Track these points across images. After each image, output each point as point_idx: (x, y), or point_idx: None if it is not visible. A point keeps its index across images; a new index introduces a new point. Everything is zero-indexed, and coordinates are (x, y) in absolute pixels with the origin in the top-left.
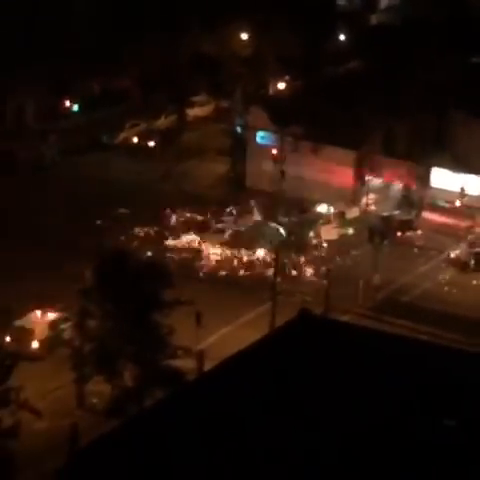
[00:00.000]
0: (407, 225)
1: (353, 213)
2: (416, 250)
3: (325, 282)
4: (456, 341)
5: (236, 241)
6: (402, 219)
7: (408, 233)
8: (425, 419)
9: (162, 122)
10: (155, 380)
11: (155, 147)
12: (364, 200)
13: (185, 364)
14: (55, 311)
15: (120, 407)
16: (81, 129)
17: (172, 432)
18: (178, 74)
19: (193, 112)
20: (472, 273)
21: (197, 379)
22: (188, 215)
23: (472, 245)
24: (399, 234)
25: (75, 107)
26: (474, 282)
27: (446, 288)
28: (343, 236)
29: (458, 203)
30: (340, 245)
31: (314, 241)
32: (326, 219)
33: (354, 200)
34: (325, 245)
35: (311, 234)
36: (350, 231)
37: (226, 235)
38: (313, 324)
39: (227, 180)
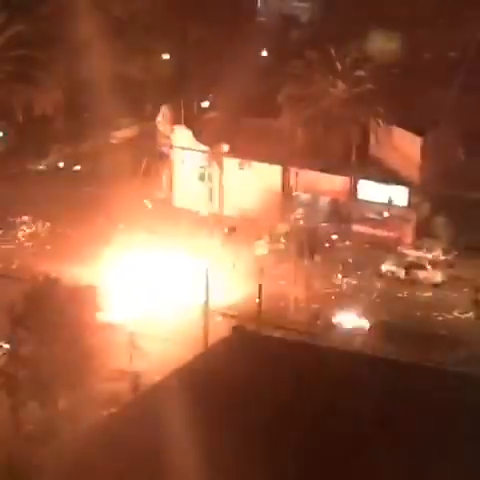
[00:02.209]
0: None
1: (283, 228)
2: (347, 263)
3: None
4: (391, 352)
5: None
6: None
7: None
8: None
9: (88, 146)
10: (90, 404)
11: (81, 171)
12: (292, 214)
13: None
14: None
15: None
16: (5, 156)
17: (108, 455)
18: (102, 97)
19: (118, 135)
20: (402, 284)
21: (132, 401)
22: None
23: (401, 256)
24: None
25: None
26: (405, 293)
27: (381, 300)
28: (274, 251)
29: (386, 214)
30: (270, 260)
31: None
32: (257, 235)
33: (283, 215)
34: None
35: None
36: (280, 246)
37: None
38: (247, 341)
39: (156, 201)
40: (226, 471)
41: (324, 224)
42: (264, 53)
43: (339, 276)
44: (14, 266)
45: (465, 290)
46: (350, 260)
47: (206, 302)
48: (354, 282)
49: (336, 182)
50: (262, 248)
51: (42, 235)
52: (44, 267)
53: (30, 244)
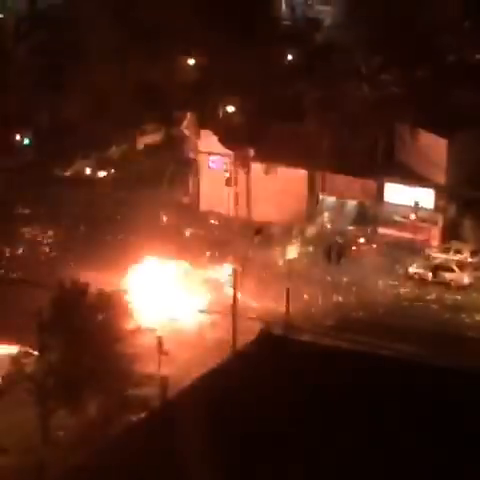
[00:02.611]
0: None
1: (311, 231)
2: (375, 265)
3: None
4: (419, 355)
5: None
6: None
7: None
8: (390, 436)
9: (113, 152)
10: (120, 409)
11: (107, 177)
12: (320, 218)
13: (149, 391)
14: (16, 345)
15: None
16: (33, 163)
17: (139, 461)
18: (127, 103)
19: (144, 140)
20: (430, 286)
21: (161, 406)
22: None
23: (429, 258)
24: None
25: (26, 141)
26: (433, 295)
27: (408, 303)
28: (302, 254)
29: (413, 217)
30: (300, 263)
31: (280, 261)
32: (290, 238)
33: (310, 219)
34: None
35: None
36: (309, 249)
37: None
38: (274, 344)
39: (182, 206)
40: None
41: (351, 227)
42: (289, 57)
43: (363, 279)
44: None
45: None
46: (377, 263)
47: (234, 305)
48: (381, 284)
49: (362, 185)
50: (292, 252)
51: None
52: (72, 272)
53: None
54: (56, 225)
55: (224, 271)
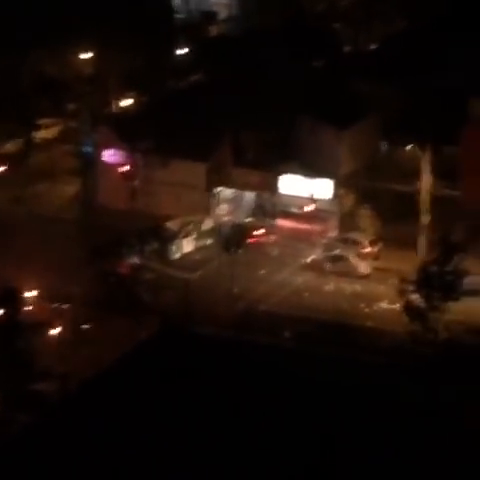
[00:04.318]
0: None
1: (208, 224)
2: (272, 257)
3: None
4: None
5: None
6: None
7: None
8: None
9: (9, 146)
10: (19, 405)
11: (4, 171)
12: (217, 210)
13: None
14: None
15: None
16: None
17: (40, 455)
18: (22, 97)
19: (40, 134)
20: (328, 277)
21: (61, 401)
22: None
23: (327, 249)
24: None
25: None
26: (331, 286)
27: (306, 293)
28: (200, 248)
29: (310, 208)
30: (198, 257)
31: (177, 255)
32: (186, 232)
33: (207, 211)
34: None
35: (173, 248)
36: (207, 242)
37: None
38: (174, 337)
39: (79, 200)
40: None
41: (249, 219)
42: (184, 49)
43: (262, 271)
44: None
45: (391, 282)
46: (275, 254)
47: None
48: (280, 276)
49: (260, 177)
50: (189, 245)
51: None
52: None
53: None
54: None
55: None
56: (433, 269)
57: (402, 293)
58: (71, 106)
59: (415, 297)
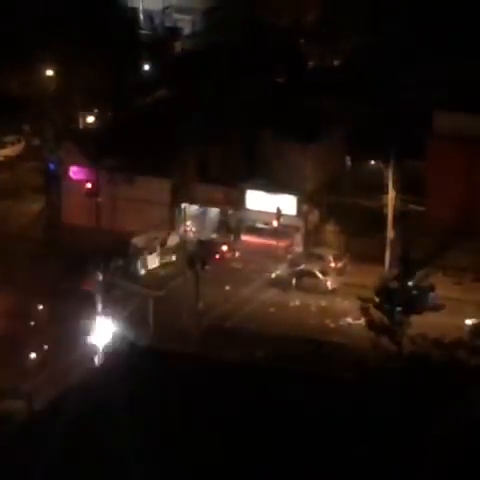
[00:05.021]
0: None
1: (173, 240)
2: (238, 273)
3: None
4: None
5: None
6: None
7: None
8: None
9: None
10: None
11: None
12: (182, 227)
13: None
14: None
15: None
16: None
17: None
18: None
19: (3, 152)
20: (294, 292)
21: (27, 419)
22: None
23: (292, 264)
24: (217, 257)
25: None
26: (297, 302)
27: (272, 309)
28: (165, 264)
29: (275, 224)
30: (163, 273)
31: (142, 271)
32: (151, 248)
33: (172, 227)
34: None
35: (138, 264)
36: (172, 258)
37: None
38: (139, 355)
39: (43, 217)
40: None
41: (214, 235)
42: (148, 66)
43: (227, 287)
44: None
45: (356, 297)
46: (241, 270)
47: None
48: (245, 292)
49: (225, 193)
50: (154, 261)
51: None
52: None
53: None
54: None
55: None
56: (394, 285)
57: (364, 310)
58: (35, 123)
59: (377, 313)
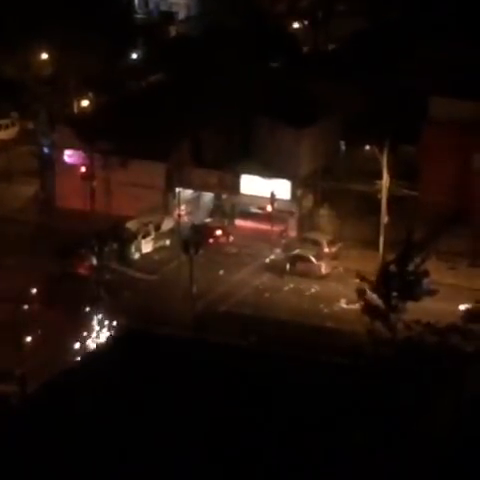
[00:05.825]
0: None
1: (168, 225)
2: (232, 258)
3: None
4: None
5: None
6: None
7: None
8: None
9: None
10: None
11: None
12: (176, 211)
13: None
14: None
15: None
16: None
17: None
18: None
19: None
20: (288, 277)
21: (20, 403)
22: None
23: (286, 249)
24: (211, 241)
25: None
26: (291, 285)
27: (266, 294)
28: (159, 248)
29: (269, 208)
30: (157, 257)
31: (136, 255)
32: (145, 232)
33: (166, 212)
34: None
35: (133, 249)
36: (166, 243)
37: None
38: (137, 339)
39: (37, 201)
40: None
41: (208, 220)
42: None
43: (221, 272)
44: None
45: (351, 281)
46: (235, 254)
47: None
48: (239, 276)
49: (219, 178)
50: (148, 245)
51: None
52: None
53: None
54: None
55: None
56: (392, 269)
57: (360, 293)
58: (31, 107)
59: (374, 297)
